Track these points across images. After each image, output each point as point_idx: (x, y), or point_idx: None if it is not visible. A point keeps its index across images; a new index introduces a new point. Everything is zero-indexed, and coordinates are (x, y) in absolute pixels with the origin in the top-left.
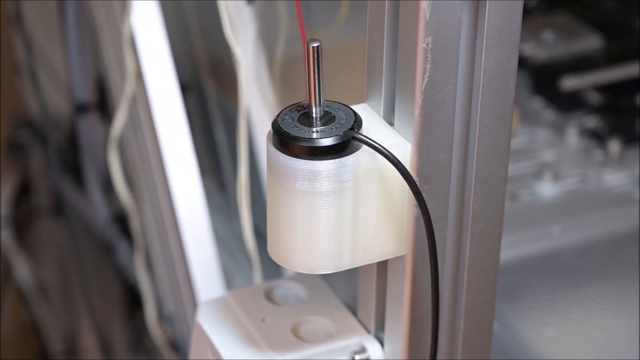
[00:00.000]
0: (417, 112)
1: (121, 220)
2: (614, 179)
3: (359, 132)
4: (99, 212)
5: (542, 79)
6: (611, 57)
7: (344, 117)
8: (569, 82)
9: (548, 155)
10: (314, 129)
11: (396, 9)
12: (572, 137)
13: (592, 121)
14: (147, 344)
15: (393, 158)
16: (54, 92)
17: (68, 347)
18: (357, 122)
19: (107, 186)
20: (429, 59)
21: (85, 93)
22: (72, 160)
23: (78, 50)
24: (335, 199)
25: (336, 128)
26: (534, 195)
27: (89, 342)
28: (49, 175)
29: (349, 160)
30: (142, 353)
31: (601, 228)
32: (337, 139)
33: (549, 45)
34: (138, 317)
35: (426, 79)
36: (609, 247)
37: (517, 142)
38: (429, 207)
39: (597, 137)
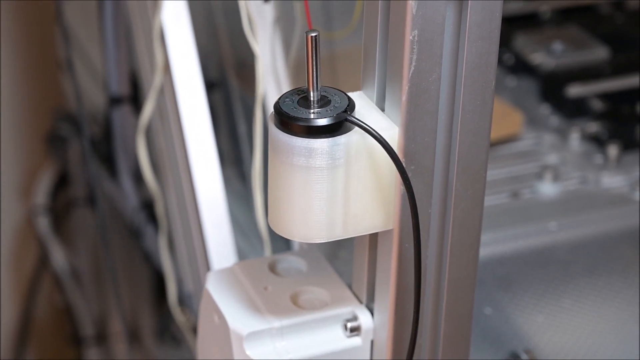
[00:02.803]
0: (404, 98)
1: (149, 207)
2: (612, 181)
3: (351, 114)
4: (130, 199)
5: (549, 86)
6: (615, 68)
7: (339, 101)
8: (574, 90)
9: (551, 158)
10: (311, 111)
11: (388, 4)
12: (575, 141)
13: (593, 127)
14: (173, 330)
15: (380, 138)
16: (92, 87)
17: (98, 332)
18: (350, 105)
19: (138, 175)
20: (415, 50)
21: (120, 86)
22: (106, 151)
23: (114, 46)
24: (328, 174)
25: (331, 110)
26: (535, 193)
27: (118, 328)
28: (85, 166)
29: (341, 139)
30: (168, 338)
31: (596, 226)
32: (331, 120)
33: (557, 55)
34: (165, 304)
35: (412, 68)
36: (602, 245)
37: (523, 145)
38: (414, 186)
39: (598, 142)
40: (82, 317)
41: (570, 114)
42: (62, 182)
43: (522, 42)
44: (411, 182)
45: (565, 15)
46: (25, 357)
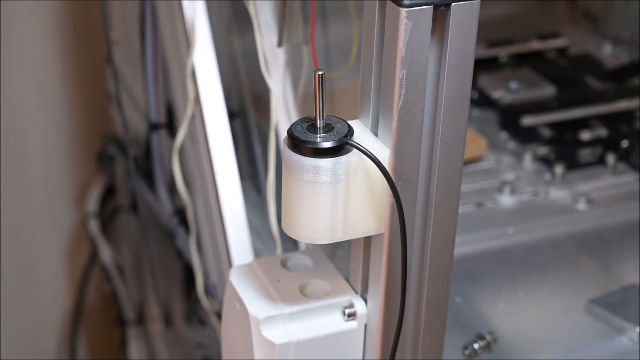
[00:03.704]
0: (394, 125)
1: (180, 213)
2: (558, 195)
3: (351, 139)
4: (165, 207)
5: (507, 117)
6: (561, 103)
7: (341, 127)
8: (527, 120)
9: (509, 175)
10: (318, 135)
11: (381, 48)
12: (528, 161)
13: (543, 150)
14: (200, 314)
15: (374, 158)
16: (135, 115)
17: (138, 315)
18: (350, 131)
19: (172, 187)
20: (403, 86)
21: (158, 115)
22: (146, 168)
23: (154, 82)
24: (331, 188)
25: (334, 135)
26: (495, 204)
27: (154, 312)
28: (129, 180)
29: (342, 159)
30: (196, 321)
31: (545, 231)
32: (334, 143)
33: (513, 92)
34: (193, 293)
35: (401, 101)
36: (550, 246)
37: (485, 164)
38: (401, 197)
39: (547, 162)
40: (125, 303)
41: (524, 140)
42: (109, 192)
43: (484, 81)
44: (399, 194)
45: (519, 60)
46: (78, 335)
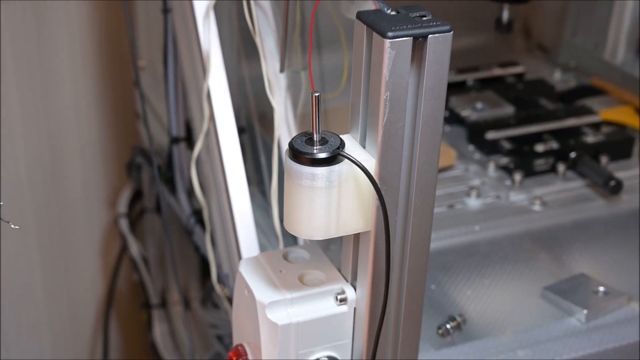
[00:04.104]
0: (379, 139)
1: (198, 214)
2: (517, 198)
3: (343, 151)
4: (184, 208)
5: (473, 132)
6: (519, 120)
7: (334, 141)
8: (491, 135)
9: (475, 181)
10: (315, 148)
11: (368, 74)
12: (491, 170)
13: (504, 160)
14: (214, 299)
15: (363, 167)
16: (159, 131)
17: (162, 300)
18: (342, 144)
19: (190, 191)
20: (387, 106)
21: (178, 130)
22: (168, 175)
23: (174, 102)
24: (326, 192)
25: (328, 147)
26: (464, 206)
27: (175, 297)
28: (154, 185)
29: (335, 168)
30: (210, 305)
31: (506, 228)
32: (328, 154)
33: (479, 111)
34: (208, 281)
35: (385, 118)
36: (511, 241)
37: (455, 172)
38: (385, 200)
39: (507, 171)
40: (150, 290)
41: (488, 152)
42: (137, 196)
43: (454, 101)
44: (384, 197)
45: (483, 84)
46: (110, 317)
